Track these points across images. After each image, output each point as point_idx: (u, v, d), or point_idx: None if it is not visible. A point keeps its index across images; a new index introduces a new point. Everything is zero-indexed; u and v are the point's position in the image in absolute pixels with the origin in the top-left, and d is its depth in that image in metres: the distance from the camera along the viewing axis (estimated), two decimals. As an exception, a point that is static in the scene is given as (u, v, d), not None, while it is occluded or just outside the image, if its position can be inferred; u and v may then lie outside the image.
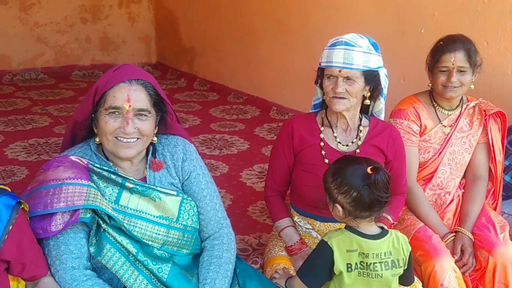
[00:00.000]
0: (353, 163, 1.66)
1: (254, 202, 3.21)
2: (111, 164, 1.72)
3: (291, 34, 4.99)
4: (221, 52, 6.09)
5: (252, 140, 4.40)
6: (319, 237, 2.12)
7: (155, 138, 1.76)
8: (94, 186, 1.61)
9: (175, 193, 1.75)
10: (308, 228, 2.14)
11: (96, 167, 1.67)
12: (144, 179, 1.75)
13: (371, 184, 1.56)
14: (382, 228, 1.70)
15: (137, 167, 1.76)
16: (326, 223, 2.08)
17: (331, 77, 1.94)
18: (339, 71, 1.90)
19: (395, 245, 1.65)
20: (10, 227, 1.40)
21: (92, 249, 1.59)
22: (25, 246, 1.48)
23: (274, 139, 4.47)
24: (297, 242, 2.06)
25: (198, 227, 1.81)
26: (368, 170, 1.58)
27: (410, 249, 1.70)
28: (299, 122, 2.10)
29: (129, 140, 1.64)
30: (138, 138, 1.65)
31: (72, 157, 1.66)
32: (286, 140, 2.08)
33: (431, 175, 2.37)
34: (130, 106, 1.61)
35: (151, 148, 1.78)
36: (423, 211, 2.28)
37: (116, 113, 1.62)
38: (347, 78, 1.91)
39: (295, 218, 2.17)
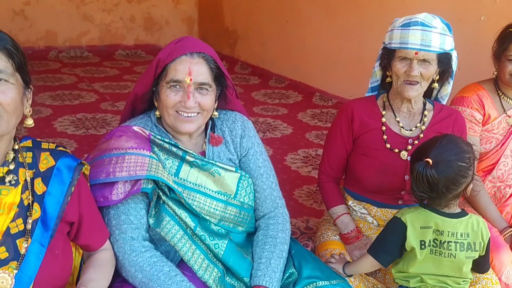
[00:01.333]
0: (442, 145, 1.63)
1: (300, 186, 3.18)
2: (171, 137, 1.71)
3: (340, 18, 4.88)
4: (264, 35, 6.02)
5: (295, 125, 4.35)
6: (375, 222, 2.08)
7: (215, 113, 1.73)
8: (156, 157, 1.60)
9: (233, 169, 1.73)
10: (363, 213, 2.10)
11: (158, 138, 1.65)
12: (203, 153, 1.73)
13: (414, 174, 1.58)
14: (462, 210, 1.67)
15: (196, 141, 1.74)
16: (383, 209, 2.03)
17: (405, 59, 1.86)
18: (416, 53, 1.81)
19: (474, 228, 1.62)
20: (73, 188, 1.37)
21: (151, 221, 1.57)
22: (83, 210, 1.44)
23: (318, 125, 4.51)
24: (353, 230, 2.02)
25: (254, 205, 1.79)
26: (429, 160, 1.56)
27: (489, 235, 1.66)
28: (359, 105, 2.04)
29: (189, 114, 1.61)
30: (198, 113, 1.63)
31: (135, 127, 1.65)
32: (345, 124, 2.03)
33: (492, 167, 2.28)
34: (191, 79, 1.57)
35: (210, 122, 1.76)
36: (482, 204, 2.19)
37: (177, 86, 1.59)
38: (423, 60, 1.83)
39: (350, 203, 2.12)
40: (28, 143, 1.38)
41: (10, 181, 1.30)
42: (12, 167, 1.31)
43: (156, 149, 1.64)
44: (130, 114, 1.80)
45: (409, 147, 1.96)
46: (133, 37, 7.13)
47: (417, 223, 1.61)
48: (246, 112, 1.90)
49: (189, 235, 1.62)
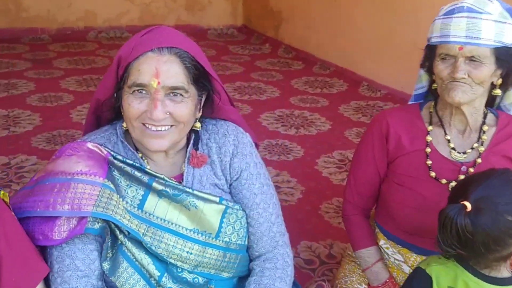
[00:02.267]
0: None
1: (328, 199, 2.70)
2: (140, 155, 1.32)
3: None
4: (309, 18, 5.54)
5: (335, 120, 3.85)
6: None
7: (198, 124, 1.35)
8: (111, 185, 1.23)
9: (217, 199, 1.33)
10: (398, 260, 1.62)
11: (118, 160, 1.27)
12: (181, 176, 1.34)
13: (441, 219, 1.17)
14: None
15: (174, 160, 1.35)
16: (422, 257, 1.54)
17: (447, 58, 1.37)
18: (460, 48, 1.33)
19: None
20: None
21: (105, 266, 1.22)
22: (1, 249, 1.12)
23: (361, 120, 3.97)
24: (386, 282, 1.56)
25: (245, 244, 1.38)
26: (466, 203, 1.13)
27: None
28: (397, 118, 1.54)
29: (159, 128, 1.23)
30: (172, 126, 1.25)
31: (90, 145, 1.28)
32: (378, 141, 1.55)
33: None
34: (159, 83, 1.19)
35: (193, 136, 1.36)
36: None
37: (143, 92, 1.21)
38: (471, 58, 1.33)
39: (381, 243, 1.65)
40: None
41: None
42: None
43: (115, 173, 1.27)
44: (94, 124, 1.42)
45: (461, 176, 1.44)
46: (174, 17, 6.82)
47: (445, 280, 1.22)
48: (245, 121, 1.48)
49: (153, 287, 1.26)
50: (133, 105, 1.21)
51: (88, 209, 1.18)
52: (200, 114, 1.33)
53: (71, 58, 5.32)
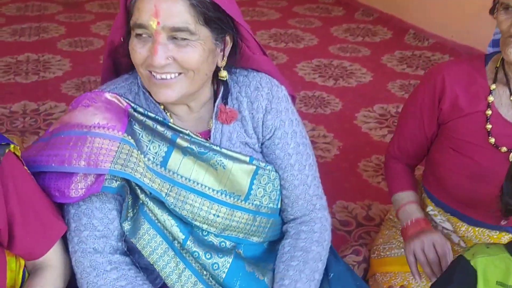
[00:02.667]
0: None
1: (367, 156, 2.52)
2: (163, 107, 1.19)
3: None
4: (354, -43, 5.12)
5: (377, 71, 3.59)
6: (462, 244, 1.44)
7: (223, 73, 1.19)
8: (131, 140, 1.12)
9: (247, 159, 1.19)
10: (446, 229, 1.48)
11: (139, 112, 1.15)
12: (207, 134, 1.21)
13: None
14: None
15: (199, 115, 1.22)
16: (476, 228, 1.40)
17: (509, 9, 1.17)
18: None
19: None
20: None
21: (126, 226, 1.13)
22: (14, 207, 1.04)
23: (406, 71, 3.69)
24: (418, 220, 1.39)
25: (277, 207, 1.26)
26: None
27: None
28: (456, 73, 1.33)
29: (164, 76, 1.09)
30: (180, 73, 1.09)
31: (108, 95, 1.16)
32: (429, 98, 1.36)
33: None
34: (158, 23, 1.03)
35: (221, 89, 1.21)
36: None
37: (144, 35, 1.07)
38: None
39: (428, 209, 1.50)
40: None
41: None
42: None
43: (136, 126, 1.15)
44: (112, 70, 1.29)
45: None
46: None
47: (493, 275, 1.05)
48: (280, 72, 1.31)
49: (177, 250, 1.16)
50: (136, 49, 1.08)
51: (105, 166, 1.07)
52: (225, 62, 1.17)
53: (103, 1, 5.16)
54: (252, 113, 1.22)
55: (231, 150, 1.18)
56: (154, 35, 1.04)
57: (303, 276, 1.18)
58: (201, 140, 1.17)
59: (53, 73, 3.39)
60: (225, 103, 1.20)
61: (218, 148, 1.17)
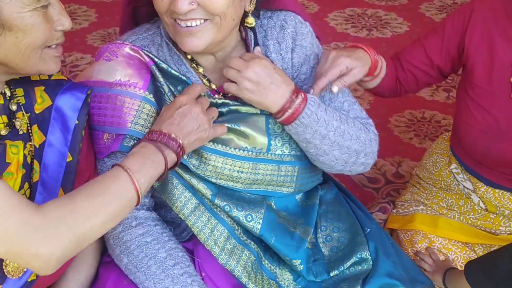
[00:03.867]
0: None
1: (399, 111, 2.41)
2: (190, 57, 1.14)
3: None
4: None
5: (414, 20, 3.39)
6: (482, 205, 1.39)
7: (250, 20, 1.12)
8: (152, 99, 1.08)
9: (257, 111, 1.13)
10: (467, 188, 1.42)
11: (162, 69, 1.10)
12: None
13: None
14: None
15: (224, 64, 1.15)
16: (496, 190, 1.34)
17: None
18: None
19: None
20: (82, 133, 1.03)
21: (155, 183, 1.10)
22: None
23: (445, 22, 3.49)
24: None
25: (302, 154, 1.18)
26: None
27: None
28: (488, 8, 1.21)
29: (189, 23, 1.02)
30: (206, 20, 1.03)
31: (129, 49, 1.11)
32: (456, 26, 1.26)
33: None
34: None
35: (250, 34, 1.15)
36: None
37: None
38: None
39: (452, 167, 1.45)
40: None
41: (17, 132, 0.94)
42: (14, 108, 0.95)
43: (160, 80, 1.10)
44: (131, 20, 1.24)
45: None
46: None
47: None
48: (306, 13, 1.24)
49: (207, 205, 1.13)
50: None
51: (126, 126, 1.05)
52: (253, 6, 1.10)
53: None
54: (281, 54, 1.16)
55: (245, 105, 1.12)
56: None
57: (350, 127, 1.11)
58: (219, 101, 1.12)
59: (79, 24, 3.34)
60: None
61: (234, 107, 1.11)
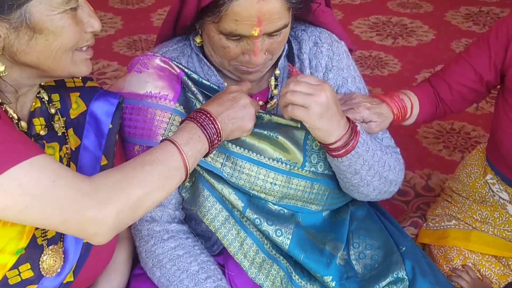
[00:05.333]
0: None
1: (427, 123, 2.38)
2: (216, 72, 1.14)
3: None
4: None
5: (440, 28, 3.36)
6: None
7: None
8: (183, 111, 1.09)
9: (298, 124, 1.12)
10: (503, 199, 1.42)
11: (193, 79, 1.11)
12: (265, 93, 1.17)
13: None
14: None
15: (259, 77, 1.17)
16: None
17: None
18: None
19: None
20: (116, 137, 1.06)
21: (185, 194, 1.12)
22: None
23: (472, 30, 3.40)
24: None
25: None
26: None
27: None
28: None
29: (257, 68, 1.09)
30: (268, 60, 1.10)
31: (159, 61, 1.11)
32: (500, 37, 1.27)
33: None
34: (261, 31, 1.00)
35: (285, 48, 1.16)
36: None
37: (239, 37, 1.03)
38: None
39: (488, 177, 1.44)
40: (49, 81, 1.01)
41: (54, 134, 0.97)
42: (53, 111, 0.99)
43: (191, 94, 1.11)
44: (171, 30, 1.23)
45: None
46: None
47: None
48: (340, 27, 1.23)
49: (237, 218, 1.13)
50: (229, 49, 1.04)
51: (156, 139, 1.06)
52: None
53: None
54: (311, 72, 1.16)
55: (282, 117, 1.11)
56: (254, 39, 1.00)
57: (382, 153, 1.11)
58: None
59: (105, 31, 3.38)
60: (291, 62, 1.16)
61: (269, 117, 1.11)
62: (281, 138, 1.10)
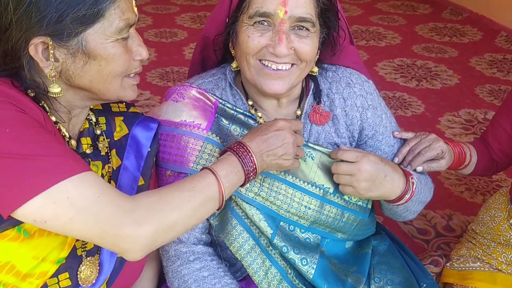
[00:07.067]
0: None
1: (486, 175, 2.40)
2: (251, 103, 1.19)
3: None
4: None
5: (464, 73, 3.40)
6: None
7: (315, 69, 1.19)
8: (215, 139, 1.14)
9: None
10: None
11: (228, 107, 1.16)
12: None
13: None
14: None
15: (286, 111, 1.21)
16: None
17: None
18: None
19: None
20: (154, 159, 1.13)
21: (214, 222, 1.15)
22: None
23: (496, 76, 3.44)
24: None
25: (367, 207, 1.23)
26: None
27: None
28: None
29: (280, 66, 1.08)
30: (293, 64, 1.09)
31: (196, 92, 1.17)
32: None
33: None
34: (286, 12, 1.04)
35: (311, 85, 1.20)
36: None
37: (265, 23, 1.06)
38: None
39: None
40: (97, 105, 1.09)
41: (98, 153, 1.03)
42: (98, 132, 1.06)
43: (224, 122, 1.16)
44: (200, 65, 1.32)
45: None
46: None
47: None
48: (365, 67, 1.29)
49: (263, 247, 1.17)
50: (253, 37, 1.06)
51: (188, 166, 1.11)
52: (318, 55, 1.16)
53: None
54: (346, 111, 1.20)
55: (318, 144, 1.17)
56: (279, 24, 1.04)
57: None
58: None
59: (140, 62, 3.54)
60: (318, 102, 1.19)
61: (305, 142, 1.16)
62: (315, 159, 1.15)
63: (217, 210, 0.98)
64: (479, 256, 1.51)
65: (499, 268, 1.46)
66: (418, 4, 4.96)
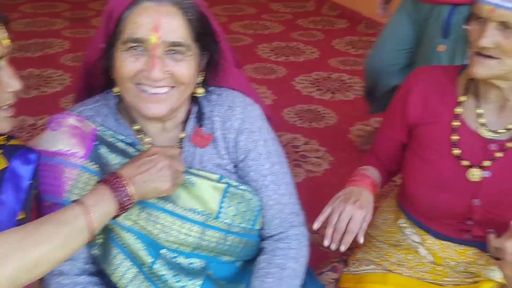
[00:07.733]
0: None
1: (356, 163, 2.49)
2: (138, 127, 1.18)
3: None
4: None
5: (376, 83, 3.56)
6: (429, 257, 1.45)
7: (200, 90, 1.18)
8: (92, 167, 1.11)
9: (217, 177, 1.17)
10: (415, 241, 1.48)
11: (107, 135, 1.15)
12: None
13: None
14: None
15: (172, 133, 1.20)
16: (442, 242, 1.39)
17: (479, 20, 1.17)
18: (490, 10, 1.12)
19: None
20: (35, 192, 1.09)
21: (95, 252, 1.13)
22: None
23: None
24: (366, 175, 1.41)
25: (253, 228, 1.23)
26: None
27: None
28: (427, 80, 1.34)
29: (158, 90, 1.08)
30: (172, 87, 1.09)
31: (73, 120, 1.14)
32: (398, 104, 1.39)
33: None
34: (159, 37, 1.04)
35: (195, 109, 1.21)
36: None
37: (139, 48, 1.05)
38: (503, 23, 1.13)
39: (400, 221, 1.50)
40: None
41: None
42: None
43: (104, 150, 1.14)
44: (85, 91, 1.28)
45: (486, 163, 1.26)
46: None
47: None
48: (254, 90, 1.30)
49: (146, 274, 1.15)
50: (127, 63, 1.05)
51: (62, 196, 1.09)
52: (202, 78, 1.17)
53: (110, 16, 5.24)
54: (224, 133, 1.20)
55: (201, 170, 1.17)
56: (152, 49, 1.03)
57: None
58: None
59: (53, 88, 3.44)
60: (200, 125, 1.19)
61: (186, 168, 1.15)
62: (197, 185, 1.15)
63: (92, 240, 0.96)
64: (372, 259, 1.57)
65: (390, 269, 1.52)
66: (336, 19, 5.17)
